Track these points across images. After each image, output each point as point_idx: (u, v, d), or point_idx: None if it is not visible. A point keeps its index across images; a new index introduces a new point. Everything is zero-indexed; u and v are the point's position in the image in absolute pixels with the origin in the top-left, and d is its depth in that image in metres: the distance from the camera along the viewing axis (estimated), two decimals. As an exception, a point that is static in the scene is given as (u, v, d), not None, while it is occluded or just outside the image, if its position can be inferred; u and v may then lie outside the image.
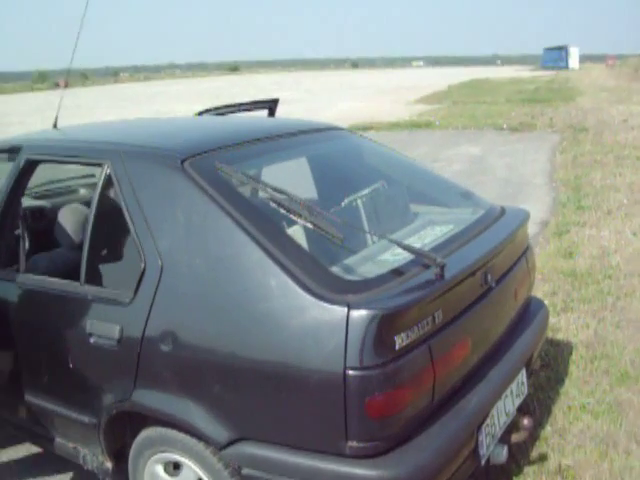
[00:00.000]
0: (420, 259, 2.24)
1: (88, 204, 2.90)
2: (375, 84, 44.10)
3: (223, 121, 3.57)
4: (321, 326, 1.96)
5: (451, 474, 2.15)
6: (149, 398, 2.32)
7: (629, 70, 39.03)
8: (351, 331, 1.91)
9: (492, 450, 2.44)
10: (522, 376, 2.77)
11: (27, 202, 3.89)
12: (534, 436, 3.07)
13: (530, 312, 3.06)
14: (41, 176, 4.20)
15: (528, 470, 2.89)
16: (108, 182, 2.56)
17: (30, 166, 2.90)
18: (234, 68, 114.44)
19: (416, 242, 2.62)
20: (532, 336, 2.88)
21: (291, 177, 3.47)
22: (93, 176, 3.80)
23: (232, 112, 4.04)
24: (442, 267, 2.15)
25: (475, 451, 2.30)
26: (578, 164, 10.21)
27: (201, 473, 2.29)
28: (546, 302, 4.58)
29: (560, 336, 4.15)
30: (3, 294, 2.84)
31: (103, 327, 2.41)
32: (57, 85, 58.38)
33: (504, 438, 2.56)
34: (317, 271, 2.09)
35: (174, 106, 25.55)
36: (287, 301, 2.02)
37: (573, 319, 4.39)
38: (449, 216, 3.03)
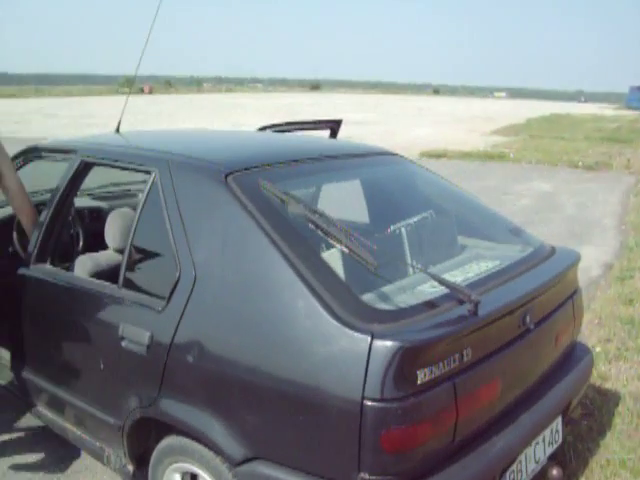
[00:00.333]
0: (455, 294, 2.19)
1: None
2: (454, 112, 43.74)
3: (279, 138, 3.58)
4: (343, 353, 1.93)
5: None
6: (171, 406, 2.34)
7: None
8: (372, 361, 1.87)
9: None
10: (557, 424, 2.67)
11: (86, 202, 4.02)
12: (565, 488, 2.93)
13: (573, 358, 2.94)
14: (104, 178, 4.33)
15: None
16: (154, 189, 2.60)
17: (84, 168, 2.99)
18: (315, 86, 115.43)
19: (459, 276, 2.56)
20: (572, 383, 2.76)
21: (343, 199, 3.46)
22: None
23: (294, 130, 4.06)
24: (476, 304, 2.09)
25: (497, 496, 2.21)
26: (651, 208, 9.87)
27: (216, 487, 2.28)
28: (599, 349, 4.43)
29: (608, 385, 3.98)
30: (53, 291, 2.93)
31: (135, 332, 2.45)
32: (142, 90, 60.39)
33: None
34: (346, 297, 2.06)
35: (251, 119, 25.91)
36: (312, 324, 2.00)
37: (625, 369, 4.21)
38: (496, 251, 2.96)
